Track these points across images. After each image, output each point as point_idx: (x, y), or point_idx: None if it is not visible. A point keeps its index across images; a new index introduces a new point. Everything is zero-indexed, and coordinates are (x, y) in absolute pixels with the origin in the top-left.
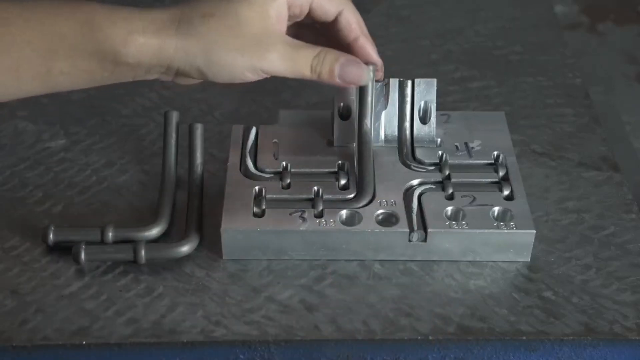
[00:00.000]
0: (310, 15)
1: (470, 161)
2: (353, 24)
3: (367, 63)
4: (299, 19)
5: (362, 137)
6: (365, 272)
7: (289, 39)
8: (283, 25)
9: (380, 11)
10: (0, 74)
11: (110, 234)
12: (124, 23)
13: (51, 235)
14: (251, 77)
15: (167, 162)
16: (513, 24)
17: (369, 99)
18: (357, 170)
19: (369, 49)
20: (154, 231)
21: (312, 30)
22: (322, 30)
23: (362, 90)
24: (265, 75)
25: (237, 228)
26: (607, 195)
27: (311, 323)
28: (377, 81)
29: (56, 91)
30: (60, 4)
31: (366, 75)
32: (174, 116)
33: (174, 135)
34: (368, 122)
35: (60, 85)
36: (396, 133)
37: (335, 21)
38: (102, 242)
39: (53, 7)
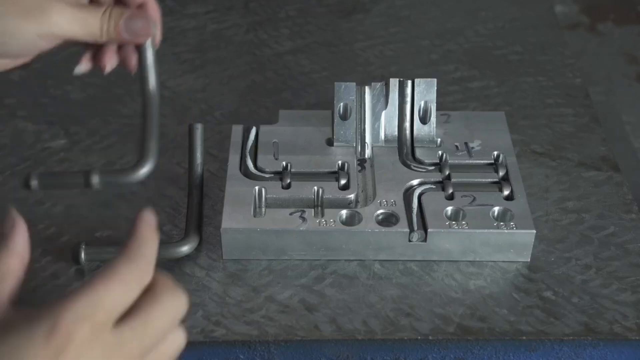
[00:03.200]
0: None
1: (470, 161)
2: None
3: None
4: None
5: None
6: (365, 272)
7: (73, 0)
8: None
9: (380, 11)
10: None
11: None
12: None
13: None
14: (45, 44)
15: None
16: (513, 24)
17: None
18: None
19: (151, 9)
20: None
21: None
22: None
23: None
24: (59, 41)
25: (237, 228)
26: (607, 195)
27: (311, 323)
28: None
29: None
30: None
31: (152, 29)
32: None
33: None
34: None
35: None
36: (396, 133)
37: None
38: None
39: None
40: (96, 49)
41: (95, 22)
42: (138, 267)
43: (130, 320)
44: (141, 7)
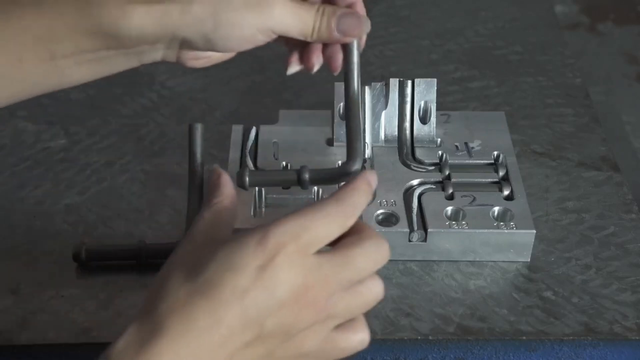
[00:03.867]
0: None
1: (470, 161)
2: None
3: None
4: None
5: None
6: None
7: None
8: None
9: (380, 11)
10: (4, 69)
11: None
12: None
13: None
14: (261, 38)
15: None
16: (513, 24)
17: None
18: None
19: (360, 8)
20: None
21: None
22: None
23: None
24: (272, 37)
25: (237, 228)
26: (607, 195)
27: None
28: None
29: (65, 84)
30: None
31: (365, 26)
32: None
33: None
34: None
35: (65, 75)
36: (396, 133)
37: None
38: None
39: None
40: (302, 49)
41: (309, 19)
42: (344, 210)
43: (330, 255)
44: (350, 6)
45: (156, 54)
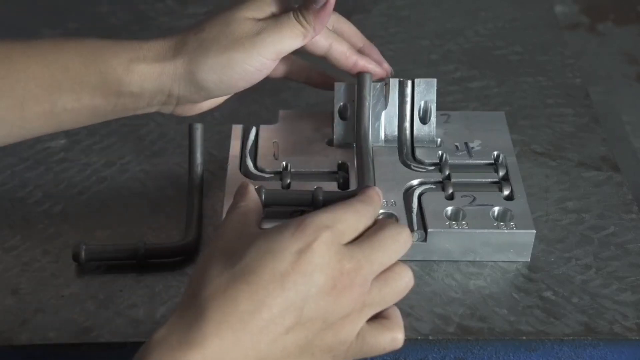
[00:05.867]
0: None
1: (470, 161)
2: (346, 52)
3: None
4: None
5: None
6: None
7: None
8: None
9: (380, 11)
10: (5, 113)
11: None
12: (126, 53)
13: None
14: (271, 64)
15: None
16: (513, 24)
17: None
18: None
19: (369, 64)
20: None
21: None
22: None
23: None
24: (279, 57)
25: None
26: (607, 195)
27: None
28: (379, 80)
29: (59, 130)
30: (64, 39)
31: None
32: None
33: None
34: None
35: (63, 123)
36: (396, 133)
37: (327, 54)
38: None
39: (57, 43)
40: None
41: (294, 24)
42: (368, 208)
43: (359, 241)
44: (355, 66)
45: (151, 109)
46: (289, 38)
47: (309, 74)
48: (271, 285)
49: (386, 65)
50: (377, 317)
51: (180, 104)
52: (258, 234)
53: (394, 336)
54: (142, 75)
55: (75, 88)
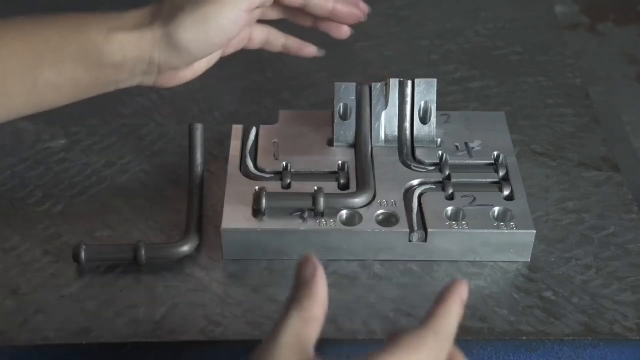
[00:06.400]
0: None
1: (470, 161)
2: None
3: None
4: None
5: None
6: (365, 272)
7: None
8: None
9: (380, 11)
10: None
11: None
12: (105, 23)
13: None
14: (245, 16)
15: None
16: (513, 24)
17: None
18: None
19: (346, 7)
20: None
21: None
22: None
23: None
24: (251, 7)
25: (237, 228)
26: (607, 195)
27: None
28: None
29: (42, 108)
30: (45, 16)
31: None
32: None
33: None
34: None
35: (46, 99)
36: (396, 133)
37: (305, 1)
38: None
39: (36, 19)
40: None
41: None
42: (441, 345)
43: None
44: (334, 10)
45: (133, 80)
46: None
47: (286, 41)
48: None
49: (362, 5)
50: None
51: (162, 72)
52: None
53: None
54: (122, 43)
55: (56, 61)
